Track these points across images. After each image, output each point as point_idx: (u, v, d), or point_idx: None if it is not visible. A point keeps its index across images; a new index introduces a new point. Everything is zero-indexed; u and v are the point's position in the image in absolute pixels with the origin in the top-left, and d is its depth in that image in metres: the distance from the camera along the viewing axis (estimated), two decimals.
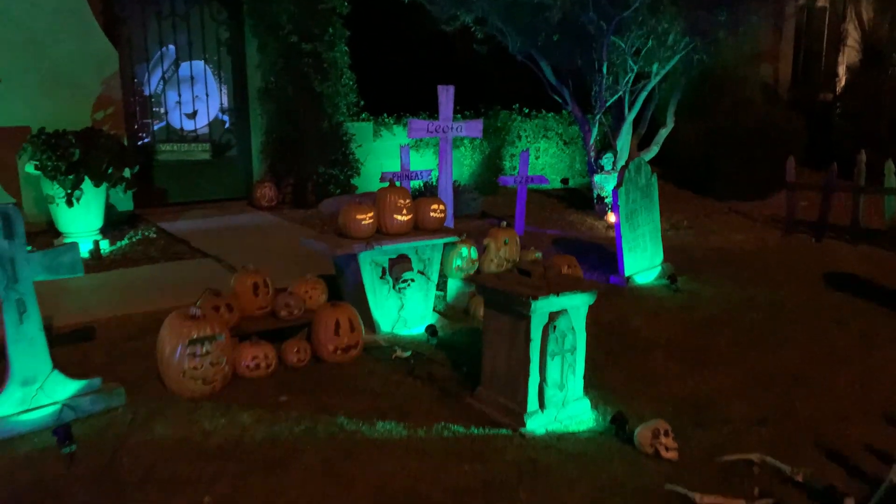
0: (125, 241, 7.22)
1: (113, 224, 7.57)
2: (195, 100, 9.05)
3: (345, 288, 5.30)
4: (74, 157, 6.57)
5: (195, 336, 4.03)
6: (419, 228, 5.26)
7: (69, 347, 4.61)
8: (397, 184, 5.44)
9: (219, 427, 3.80)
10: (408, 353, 4.78)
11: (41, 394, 3.77)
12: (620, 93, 9.16)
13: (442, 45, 10.87)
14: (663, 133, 9.91)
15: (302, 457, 3.54)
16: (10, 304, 3.66)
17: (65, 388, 3.84)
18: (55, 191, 6.70)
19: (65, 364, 3.97)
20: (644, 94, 9.33)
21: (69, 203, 6.63)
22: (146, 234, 7.57)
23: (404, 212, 5.09)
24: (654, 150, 9.78)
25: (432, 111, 10.48)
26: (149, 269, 6.46)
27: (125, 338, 4.92)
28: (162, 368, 4.13)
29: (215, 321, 4.17)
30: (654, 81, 9.19)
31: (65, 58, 7.50)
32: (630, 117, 9.43)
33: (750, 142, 10.29)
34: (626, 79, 9.04)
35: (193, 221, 8.29)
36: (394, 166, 10.20)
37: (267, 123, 9.40)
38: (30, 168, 6.83)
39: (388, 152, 10.56)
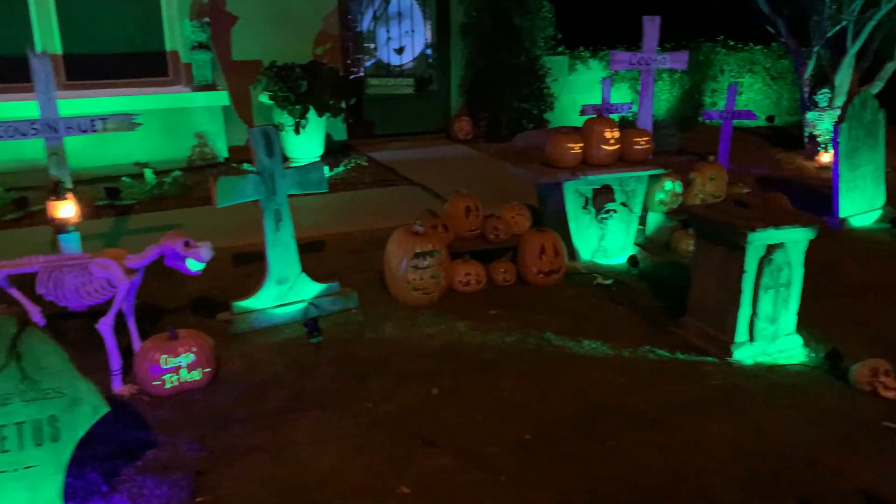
0: (341, 168, 7.88)
1: (329, 152, 8.26)
2: (403, 36, 9.49)
3: (546, 215, 5.51)
4: (302, 88, 7.24)
5: (418, 251, 4.44)
6: (624, 160, 5.32)
7: (306, 256, 5.20)
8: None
9: (438, 332, 4.21)
10: (609, 281, 4.95)
11: (291, 292, 4.36)
12: (844, 22, 8.43)
13: None
14: (890, 67, 9.01)
15: (513, 363, 3.86)
16: (269, 214, 4.24)
17: (310, 288, 4.42)
18: (284, 119, 7.43)
19: (304, 270, 4.54)
20: (872, 24, 8.51)
21: (296, 131, 7.34)
22: (358, 162, 8.20)
23: (611, 142, 5.17)
24: (878, 85, 8.93)
25: (630, 43, 10.28)
26: (364, 192, 7.04)
27: (350, 251, 5.49)
28: (388, 278, 4.61)
29: (435, 238, 4.57)
30: (885, 8, 8.34)
31: None
32: (853, 50, 8.67)
33: None
34: (853, 7, 8.29)
35: (397, 152, 8.83)
36: (587, 100, 10.17)
37: (465, 58, 9.68)
38: (263, 98, 7.61)
39: (582, 86, 10.53)
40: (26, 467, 2.30)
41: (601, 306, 4.60)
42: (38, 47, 7.34)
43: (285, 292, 4.33)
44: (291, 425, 3.29)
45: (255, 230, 5.26)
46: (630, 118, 8.87)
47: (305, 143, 7.61)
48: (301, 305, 4.36)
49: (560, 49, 10.18)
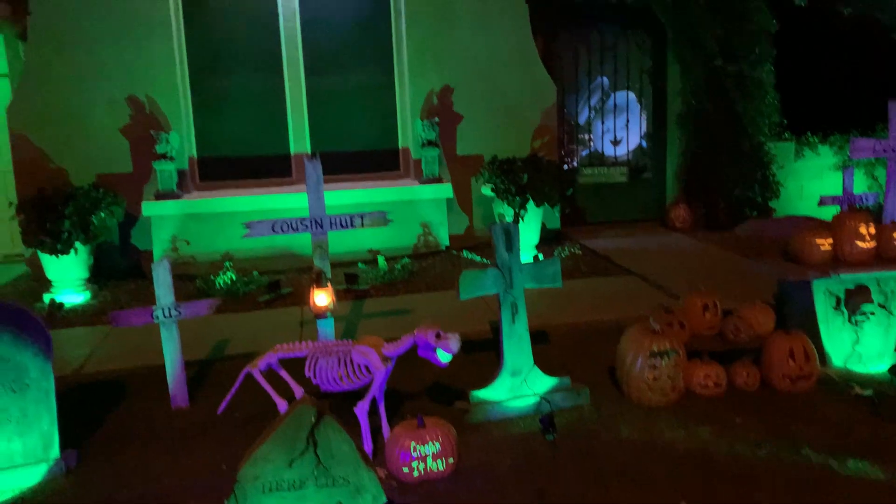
0: (556, 256, 7.95)
1: (544, 240, 8.39)
2: (619, 128, 9.61)
3: (789, 315, 5.15)
4: (523, 180, 7.49)
5: (655, 349, 4.32)
6: (881, 257, 4.88)
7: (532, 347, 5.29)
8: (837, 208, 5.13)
9: (679, 437, 4.02)
10: (869, 392, 4.48)
11: (524, 385, 4.39)
12: None
13: (883, 57, 9.83)
14: None
15: (768, 478, 3.57)
16: (506, 306, 4.35)
17: (542, 382, 4.43)
18: (504, 209, 7.70)
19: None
20: None
21: (516, 221, 7.55)
22: (572, 250, 8.24)
23: (867, 238, 4.77)
24: None
25: (864, 128, 9.62)
26: (582, 282, 7.03)
27: (574, 342, 5.46)
28: (621, 375, 4.51)
29: (672, 337, 4.43)
30: None
31: (513, 93, 8.56)
32: None
33: None
34: None
35: (611, 240, 8.78)
36: (816, 187, 9.60)
37: (683, 146, 9.55)
38: (485, 190, 7.96)
39: (810, 173, 9.94)
40: None
41: (863, 420, 4.16)
42: (293, 147, 8.31)
43: (519, 385, 4.38)
44: None
45: (477, 317, 5.46)
46: (872, 209, 8.16)
47: (523, 231, 7.78)
48: (533, 400, 4.37)
49: (786, 135, 9.72)
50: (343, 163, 8.37)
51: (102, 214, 6.84)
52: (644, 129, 9.75)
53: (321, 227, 4.63)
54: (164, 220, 7.60)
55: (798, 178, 9.78)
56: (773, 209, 9.38)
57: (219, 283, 6.77)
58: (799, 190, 9.77)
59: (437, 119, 8.27)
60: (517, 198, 7.54)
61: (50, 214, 6.53)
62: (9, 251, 8.73)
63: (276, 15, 8.18)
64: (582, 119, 9.59)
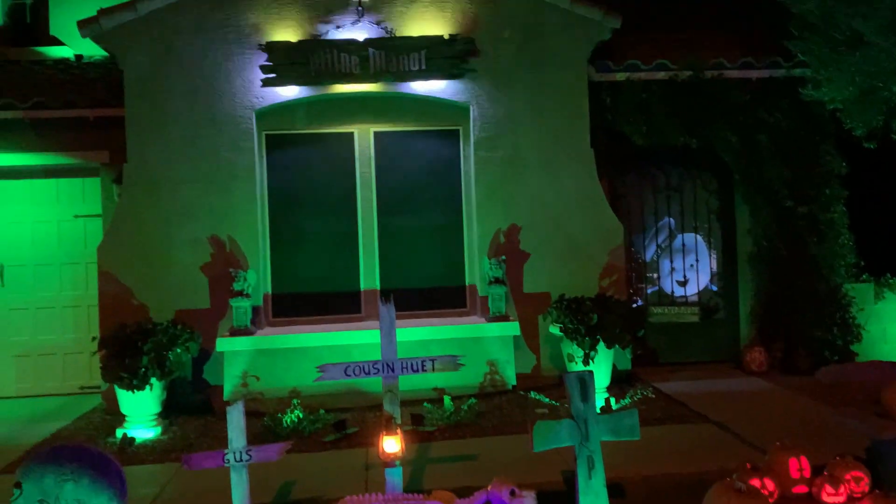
0: (628, 400, 7.69)
1: (614, 382, 8.15)
2: (687, 269, 9.56)
3: (885, 475, 4.78)
4: (593, 321, 7.41)
5: None
6: None
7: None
8: None
9: None
10: None
11: None
12: None
13: None
14: None
15: None
16: (582, 460, 4.19)
17: None
18: (574, 350, 7.57)
19: None
20: None
21: (586, 362, 7.41)
22: (644, 393, 7.96)
23: None
24: None
25: None
26: (657, 430, 6.72)
27: (652, 498, 5.17)
28: None
29: (760, 497, 4.15)
30: None
31: (579, 233, 8.64)
32: None
33: None
34: None
35: (684, 383, 8.47)
36: None
37: (756, 287, 9.35)
38: (553, 329, 7.89)
39: (892, 316, 9.56)
40: None
41: None
42: (363, 284, 8.51)
43: None
44: None
45: (547, 465, 5.27)
46: None
47: (594, 373, 7.61)
48: None
49: (864, 276, 9.46)
50: (410, 299, 8.47)
51: (178, 350, 7.02)
52: (713, 268, 9.65)
53: (392, 370, 4.63)
54: (236, 355, 7.75)
55: (880, 321, 9.39)
56: (854, 353, 8.96)
57: (286, 422, 6.76)
58: (882, 333, 9.36)
59: (504, 257, 8.37)
60: (587, 338, 7.42)
61: (130, 351, 6.74)
62: (86, 383, 8.98)
63: (353, 160, 8.64)
64: (648, 257, 9.58)
